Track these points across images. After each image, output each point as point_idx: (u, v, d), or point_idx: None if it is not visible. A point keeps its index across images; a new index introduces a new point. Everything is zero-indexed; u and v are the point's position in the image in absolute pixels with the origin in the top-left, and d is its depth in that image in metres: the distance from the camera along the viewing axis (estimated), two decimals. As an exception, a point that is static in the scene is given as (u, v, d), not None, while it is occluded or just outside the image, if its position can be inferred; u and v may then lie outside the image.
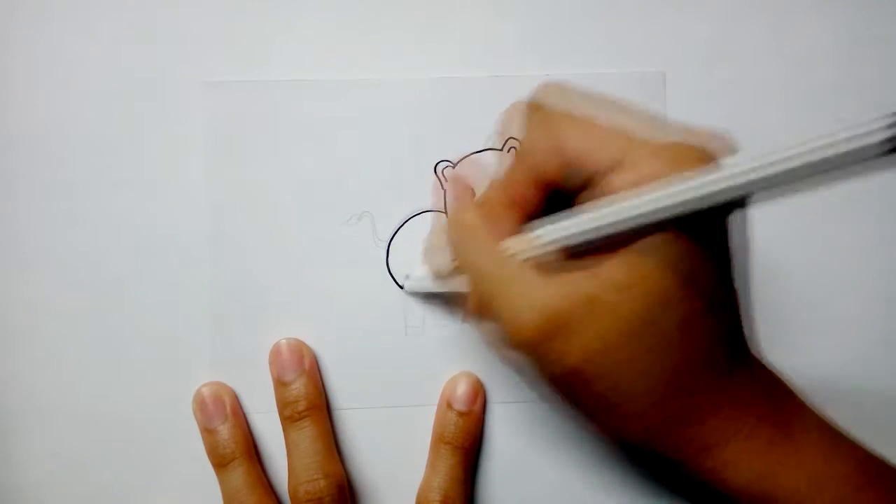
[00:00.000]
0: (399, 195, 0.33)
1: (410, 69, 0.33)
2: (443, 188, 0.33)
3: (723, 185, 0.20)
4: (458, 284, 0.29)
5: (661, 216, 0.21)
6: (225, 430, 0.31)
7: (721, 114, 0.34)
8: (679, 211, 0.21)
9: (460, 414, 0.32)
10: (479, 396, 0.33)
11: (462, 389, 0.32)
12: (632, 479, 0.33)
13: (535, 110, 0.25)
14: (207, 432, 0.32)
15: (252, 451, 0.32)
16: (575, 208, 0.23)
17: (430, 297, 0.33)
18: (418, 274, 0.32)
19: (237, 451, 0.31)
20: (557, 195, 0.24)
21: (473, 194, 0.27)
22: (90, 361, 0.33)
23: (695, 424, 0.23)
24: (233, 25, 0.33)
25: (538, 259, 0.24)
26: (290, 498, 0.31)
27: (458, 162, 0.33)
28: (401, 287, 0.33)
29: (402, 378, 0.33)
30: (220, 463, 0.31)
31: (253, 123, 0.33)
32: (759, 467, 0.22)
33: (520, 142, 0.26)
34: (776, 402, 0.24)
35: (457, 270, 0.26)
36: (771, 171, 0.19)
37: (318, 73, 0.33)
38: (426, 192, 0.33)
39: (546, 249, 0.23)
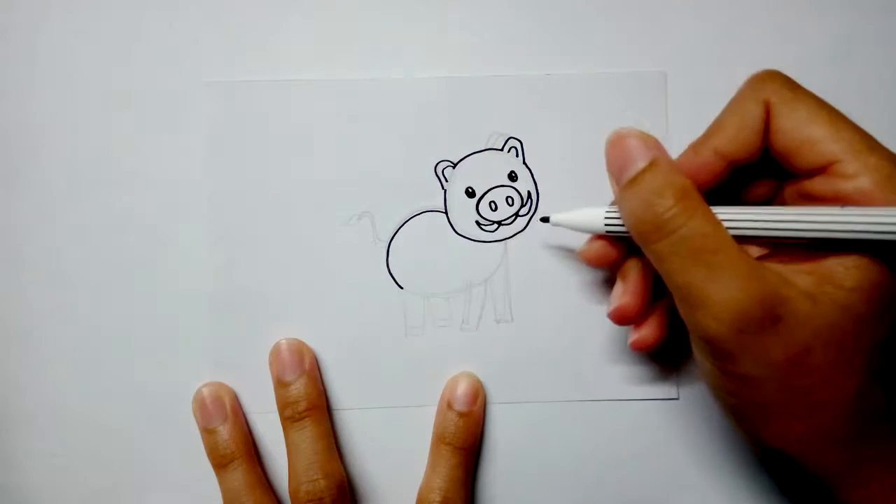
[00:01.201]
0: (399, 195, 0.33)
1: (410, 69, 0.33)
2: (443, 188, 0.33)
3: None
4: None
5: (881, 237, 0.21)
6: (225, 431, 0.31)
7: (721, 114, 0.33)
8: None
9: (460, 414, 0.32)
10: (479, 396, 0.33)
11: (462, 389, 0.32)
12: (630, 480, 0.33)
13: (761, 87, 0.24)
14: (207, 432, 0.32)
15: (252, 451, 0.32)
16: (783, 207, 0.23)
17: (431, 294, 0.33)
18: (586, 213, 0.29)
19: (237, 452, 0.31)
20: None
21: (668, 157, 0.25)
22: (90, 361, 0.33)
23: (882, 443, 0.22)
24: (233, 25, 0.33)
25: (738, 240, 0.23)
26: (291, 498, 0.31)
27: (459, 162, 0.33)
28: (401, 287, 0.33)
29: (402, 378, 0.33)
30: (219, 463, 0.31)
31: (253, 123, 0.33)
32: None
33: (727, 109, 0.25)
34: None
35: (669, 245, 0.23)
36: None
37: (318, 73, 0.33)
38: (426, 192, 0.33)
39: (769, 232, 0.23)
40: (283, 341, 0.32)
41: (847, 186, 0.21)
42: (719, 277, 0.22)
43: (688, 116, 0.33)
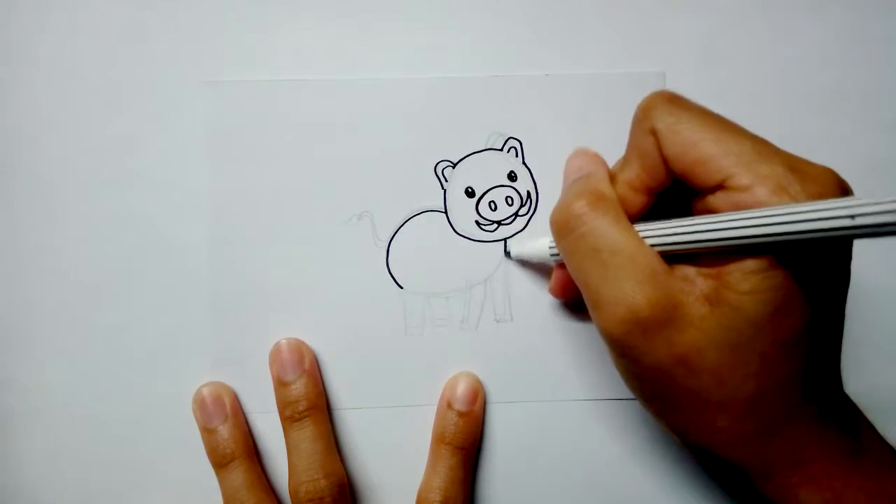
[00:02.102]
0: (399, 195, 0.33)
1: (410, 69, 0.33)
2: (443, 188, 0.33)
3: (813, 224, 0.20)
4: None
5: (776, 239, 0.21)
6: (225, 430, 0.31)
7: (721, 114, 0.33)
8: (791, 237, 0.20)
9: (460, 414, 0.32)
10: (479, 396, 0.33)
11: (462, 389, 0.32)
12: (630, 480, 0.33)
13: (645, 117, 0.24)
14: (207, 432, 0.32)
15: (252, 451, 0.32)
16: (685, 219, 0.23)
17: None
18: (536, 243, 0.31)
19: (237, 451, 0.31)
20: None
21: (607, 170, 0.27)
22: (90, 361, 0.33)
23: (785, 439, 0.23)
24: (233, 25, 0.33)
25: (661, 250, 0.24)
26: (291, 498, 0.31)
27: (459, 162, 0.33)
28: (400, 287, 0.33)
29: (402, 378, 0.33)
30: (219, 463, 0.31)
31: (253, 123, 0.33)
32: (838, 488, 0.23)
33: (628, 143, 0.26)
34: (856, 434, 0.24)
35: (573, 242, 0.25)
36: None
37: (318, 73, 0.33)
38: (426, 192, 0.33)
39: (672, 244, 0.23)
40: (284, 341, 0.32)
41: (744, 198, 0.22)
42: (613, 278, 0.23)
43: (687, 116, 0.33)
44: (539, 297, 0.33)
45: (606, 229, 0.24)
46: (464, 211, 0.33)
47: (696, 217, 0.23)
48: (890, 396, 0.33)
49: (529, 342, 0.33)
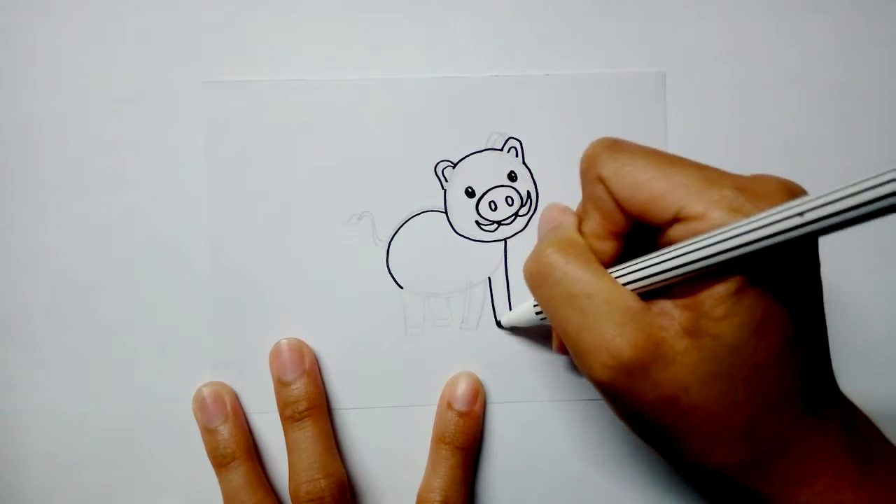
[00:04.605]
0: (399, 195, 0.33)
1: (410, 69, 0.33)
2: (443, 188, 0.33)
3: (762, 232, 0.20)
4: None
5: (732, 255, 0.21)
6: (225, 430, 0.31)
7: (721, 114, 0.34)
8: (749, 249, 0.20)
9: (460, 414, 0.32)
10: (479, 396, 0.33)
11: (462, 389, 0.32)
12: (630, 480, 0.33)
13: (590, 166, 0.25)
14: (207, 432, 0.32)
15: (252, 451, 0.32)
16: (648, 255, 0.23)
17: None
18: (521, 308, 0.32)
19: (237, 451, 0.31)
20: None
21: (577, 220, 0.27)
22: (90, 362, 0.33)
23: (787, 458, 0.22)
24: (232, 25, 0.33)
25: (633, 287, 0.24)
26: (291, 498, 0.31)
27: (459, 162, 0.33)
28: (400, 287, 0.33)
29: (402, 378, 0.33)
30: (220, 463, 0.31)
31: (253, 123, 0.33)
32: (847, 502, 0.22)
33: (582, 195, 0.26)
34: (861, 439, 0.23)
35: (548, 290, 0.25)
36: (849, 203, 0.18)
37: (318, 73, 0.33)
38: (426, 192, 0.33)
39: (641, 279, 0.23)
40: (284, 341, 0.32)
41: (701, 225, 0.22)
42: (593, 323, 0.23)
43: (687, 117, 0.33)
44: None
45: (579, 274, 0.24)
46: (464, 211, 0.33)
47: (659, 251, 0.23)
48: (886, 403, 0.33)
49: (529, 342, 0.33)
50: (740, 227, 0.20)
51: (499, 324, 0.33)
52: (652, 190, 0.23)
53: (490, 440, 0.33)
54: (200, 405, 0.32)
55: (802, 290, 0.23)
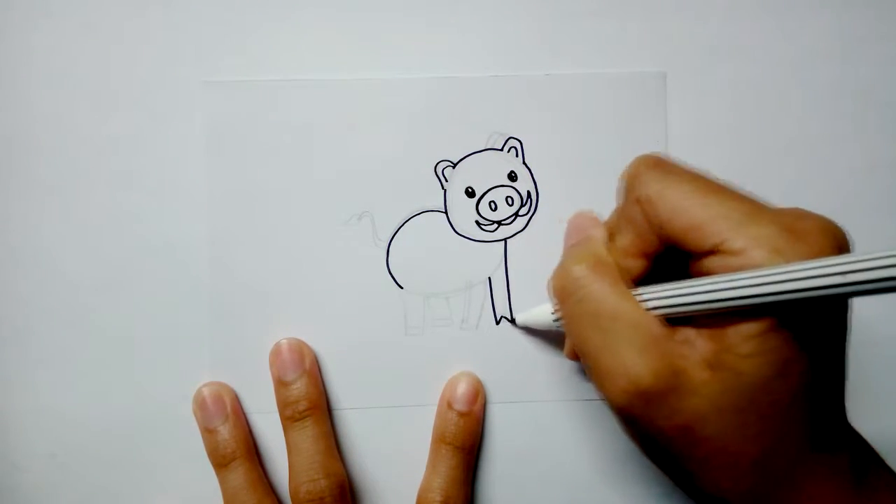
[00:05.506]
0: (399, 195, 0.33)
1: (410, 69, 0.33)
2: (443, 188, 0.33)
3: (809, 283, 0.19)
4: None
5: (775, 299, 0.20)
6: (225, 430, 0.31)
7: (721, 114, 0.34)
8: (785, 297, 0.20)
9: (460, 414, 0.32)
10: (479, 396, 0.33)
11: (462, 389, 0.32)
12: (630, 480, 0.33)
13: (632, 186, 0.24)
14: (208, 432, 0.32)
15: (252, 451, 0.32)
16: (683, 281, 0.23)
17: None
18: (538, 310, 0.31)
19: (237, 451, 0.31)
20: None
21: (606, 233, 0.26)
22: (90, 361, 0.33)
23: (793, 493, 0.22)
24: (233, 25, 0.33)
25: (659, 314, 0.23)
26: (291, 498, 0.31)
27: (459, 162, 0.33)
28: (400, 287, 0.33)
29: (402, 378, 0.33)
30: (220, 463, 0.31)
31: (253, 123, 0.33)
32: None
33: (619, 210, 0.25)
34: (869, 480, 0.23)
35: (572, 307, 0.25)
36: None
37: (318, 73, 0.33)
38: (426, 192, 0.33)
39: (669, 306, 0.23)
40: (284, 341, 0.32)
41: (739, 262, 0.21)
42: (614, 346, 0.23)
43: (687, 117, 0.33)
44: (539, 298, 0.33)
45: (605, 294, 0.24)
46: (464, 211, 0.33)
47: (692, 280, 0.23)
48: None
49: (529, 342, 0.33)
50: (780, 273, 0.20)
51: (510, 321, 0.33)
52: (693, 218, 0.22)
53: (490, 440, 0.33)
54: (200, 405, 0.32)
55: (830, 337, 0.22)
